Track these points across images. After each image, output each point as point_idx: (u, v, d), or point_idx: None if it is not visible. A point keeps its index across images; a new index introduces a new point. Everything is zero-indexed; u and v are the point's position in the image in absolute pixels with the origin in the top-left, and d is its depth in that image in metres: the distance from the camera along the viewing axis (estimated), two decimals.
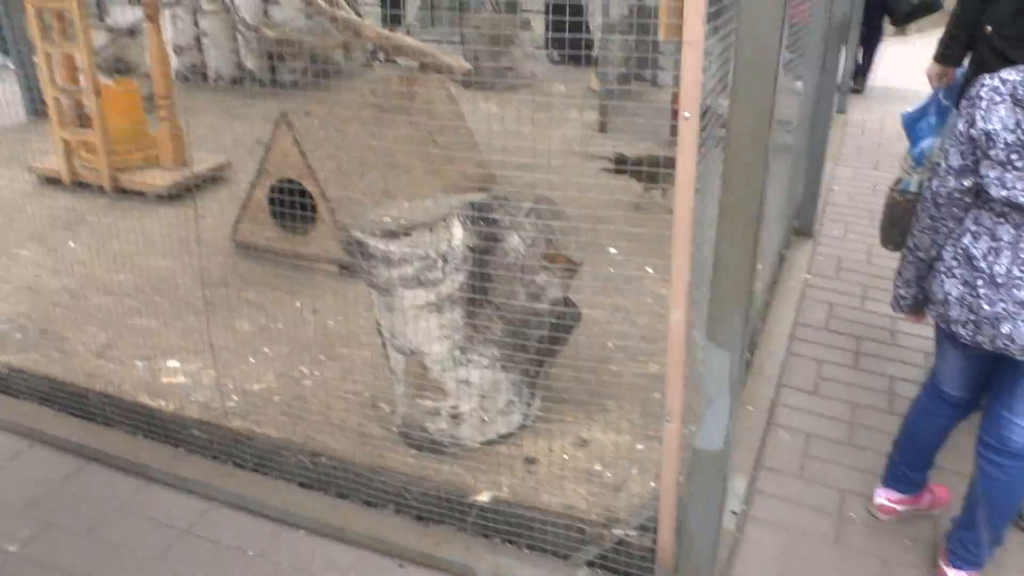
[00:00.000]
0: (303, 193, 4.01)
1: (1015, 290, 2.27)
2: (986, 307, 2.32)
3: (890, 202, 3.61)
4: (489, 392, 2.86)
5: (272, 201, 4.09)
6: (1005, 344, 2.33)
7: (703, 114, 2.08)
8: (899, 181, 3.64)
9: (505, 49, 7.28)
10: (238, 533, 2.77)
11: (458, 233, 2.66)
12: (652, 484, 2.79)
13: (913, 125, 3.60)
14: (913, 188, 3.58)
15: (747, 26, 1.84)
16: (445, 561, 2.65)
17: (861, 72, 9.21)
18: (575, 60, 8.52)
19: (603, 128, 6.66)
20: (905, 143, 3.74)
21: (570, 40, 7.53)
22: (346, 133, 4.20)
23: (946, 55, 3.48)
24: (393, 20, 8.24)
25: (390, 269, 2.61)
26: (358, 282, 4.08)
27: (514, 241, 2.74)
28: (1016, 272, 2.28)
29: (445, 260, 2.64)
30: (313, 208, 4.05)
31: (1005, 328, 2.30)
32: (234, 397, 3.15)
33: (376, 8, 9.03)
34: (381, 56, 8.16)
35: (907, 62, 11.98)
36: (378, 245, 2.58)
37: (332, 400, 3.15)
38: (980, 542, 2.66)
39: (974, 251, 2.35)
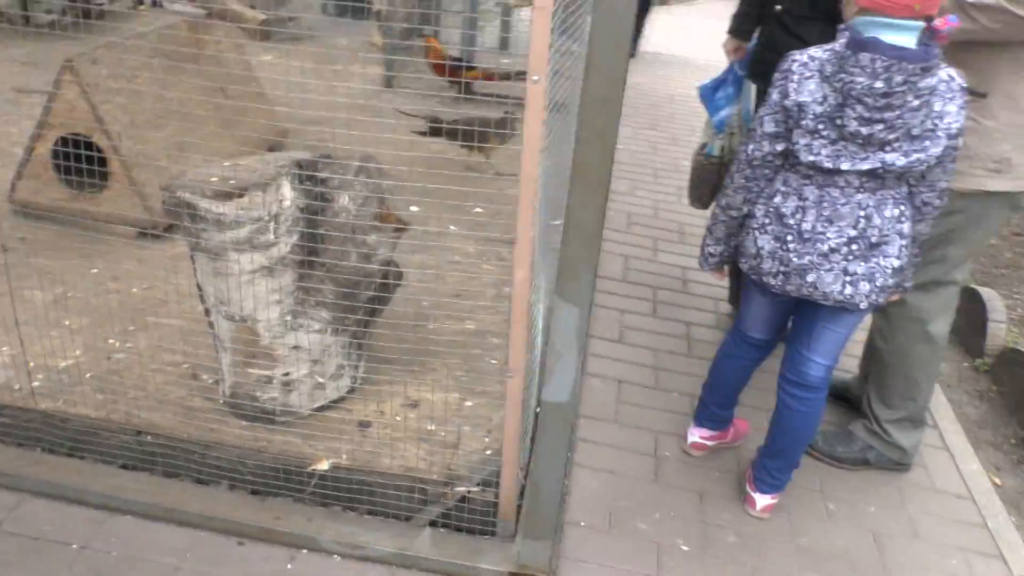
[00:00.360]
0: (92, 148, 3.69)
1: (819, 244, 2.51)
2: (795, 259, 2.55)
3: (696, 165, 3.85)
4: (321, 357, 2.79)
5: (57, 156, 3.74)
6: (810, 291, 2.57)
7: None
8: (704, 146, 3.88)
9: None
10: (58, 525, 2.56)
11: (288, 193, 2.57)
12: (486, 439, 2.85)
13: (711, 96, 3.83)
14: (716, 153, 3.83)
15: None
16: (286, 535, 2.59)
17: (632, 39, 9.63)
18: (355, 12, 8.30)
19: (388, 83, 6.58)
20: (700, 109, 3.97)
21: None
22: (135, 83, 3.90)
23: (739, 30, 3.70)
24: None
25: (222, 232, 2.47)
26: (159, 245, 3.85)
27: (344, 200, 2.68)
28: (819, 228, 2.51)
29: (277, 222, 2.53)
30: (104, 165, 3.75)
31: (810, 277, 2.54)
32: (39, 376, 2.89)
33: None
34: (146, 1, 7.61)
35: (672, 30, 12.65)
36: (209, 207, 2.44)
37: (149, 374, 2.96)
38: (782, 468, 2.94)
39: (784, 209, 2.56)
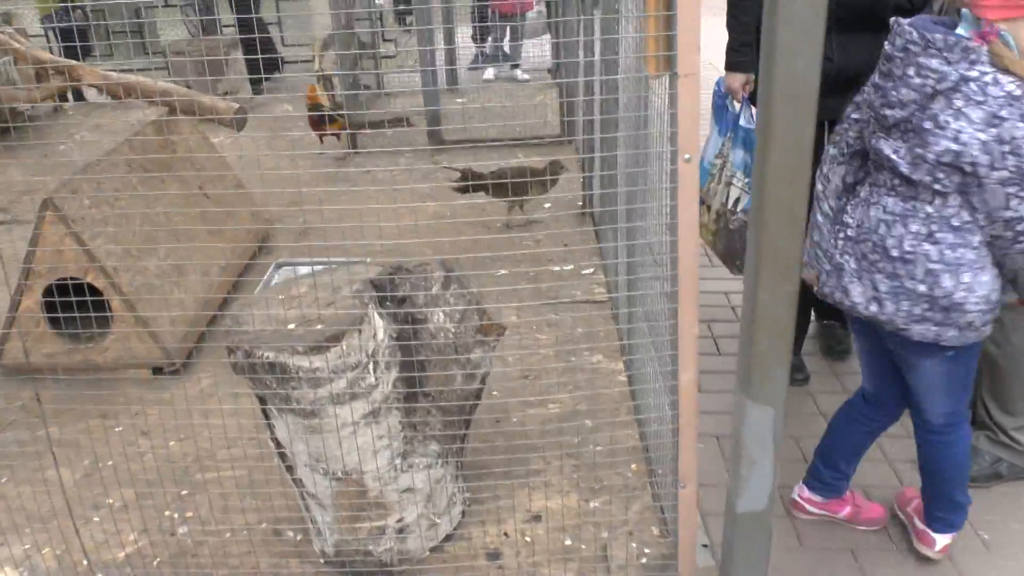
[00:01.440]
0: (86, 290, 3.23)
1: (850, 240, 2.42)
2: (836, 256, 2.45)
3: (735, 227, 3.46)
4: (433, 492, 2.42)
5: (49, 307, 3.27)
6: (841, 299, 2.45)
7: None
8: (736, 201, 3.47)
9: (220, 75, 6.52)
10: None
11: (380, 324, 2.19)
12: (633, 545, 2.51)
13: (723, 104, 3.52)
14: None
15: (784, 54, 1.57)
16: None
17: None
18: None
19: (354, 144, 6.12)
20: None
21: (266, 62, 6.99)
22: (120, 207, 3.45)
23: (742, 63, 3.41)
24: (84, 53, 7.08)
25: (317, 389, 2.09)
26: (179, 381, 3.41)
27: (440, 319, 2.31)
28: (847, 219, 2.43)
29: (376, 360, 2.16)
30: (103, 306, 3.30)
31: (845, 280, 2.42)
32: None
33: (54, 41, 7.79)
34: (71, 98, 7.04)
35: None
36: (301, 364, 2.05)
37: (228, 545, 2.54)
38: (946, 508, 2.68)
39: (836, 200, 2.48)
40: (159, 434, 3.06)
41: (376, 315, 2.18)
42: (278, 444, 2.38)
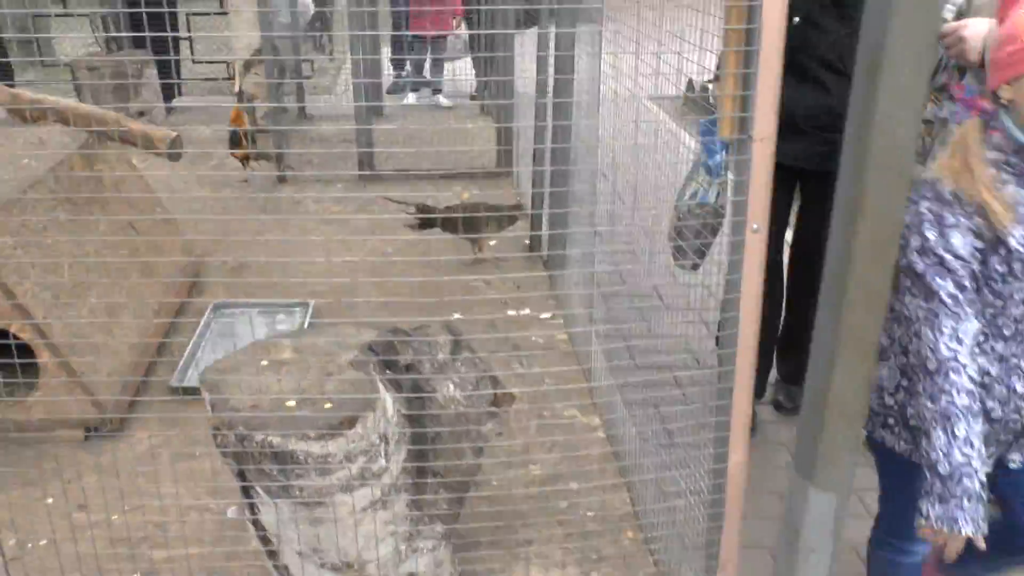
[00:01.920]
0: (6, 340, 2.87)
1: None
2: None
3: (681, 216, 3.34)
4: (436, 575, 2.20)
5: None
6: None
7: None
8: (693, 194, 3.39)
9: (135, 93, 6.07)
10: None
11: (389, 400, 1.97)
12: None
13: (711, 132, 3.42)
14: (711, 200, 3.41)
15: (884, 123, 1.44)
16: None
17: None
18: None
19: (282, 179, 5.71)
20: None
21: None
22: (49, 247, 3.09)
23: None
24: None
25: (325, 476, 1.84)
26: (116, 443, 3.07)
27: (449, 389, 2.10)
28: None
29: (387, 441, 1.93)
30: (27, 357, 2.93)
31: None
32: None
33: None
34: None
35: None
36: (310, 450, 1.80)
37: None
38: None
39: None
40: (99, 506, 2.71)
41: (384, 390, 1.95)
42: (259, 526, 2.12)
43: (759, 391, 3.65)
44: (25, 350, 2.93)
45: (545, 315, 3.91)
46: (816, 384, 1.69)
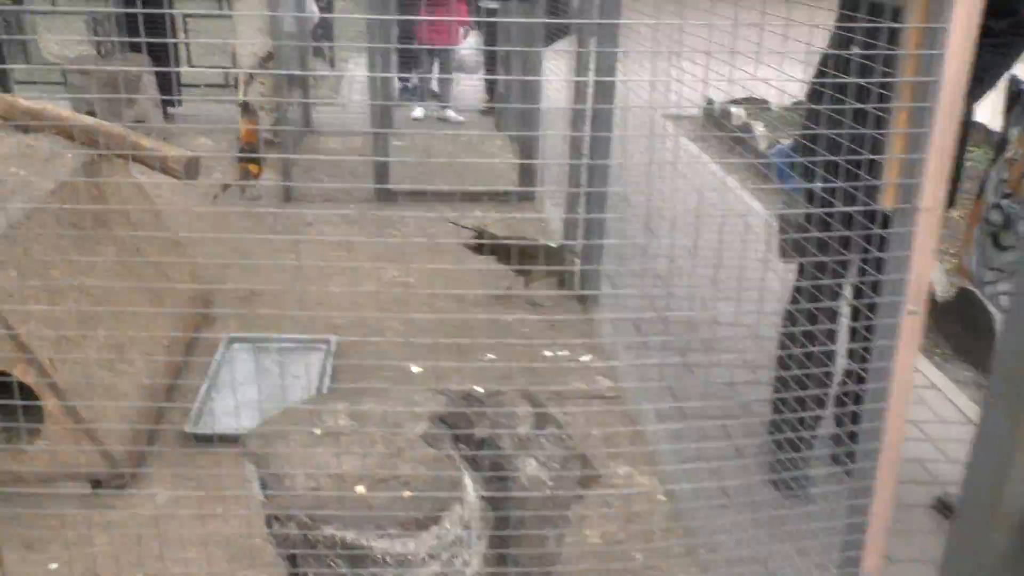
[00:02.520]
0: (8, 385, 2.63)
1: None
2: None
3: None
4: None
5: None
6: None
7: None
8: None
9: (132, 98, 5.81)
10: None
11: (469, 484, 1.76)
12: None
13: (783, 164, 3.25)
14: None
15: None
16: None
17: None
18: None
19: (288, 197, 5.44)
20: None
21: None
22: (54, 279, 2.85)
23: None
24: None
25: (407, 573, 1.63)
26: (126, 498, 2.83)
27: (531, 468, 1.89)
28: None
29: (469, 531, 1.72)
30: (29, 402, 2.69)
31: None
32: None
33: None
34: None
35: None
36: (392, 548, 1.59)
37: None
38: None
39: None
40: (110, 571, 2.48)
41: (465, 474, 1.75)
42: None
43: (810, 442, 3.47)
44: (26, 391, 2.69)
45: (585, 357, 3.71)
46: (981, 493, 1.50)
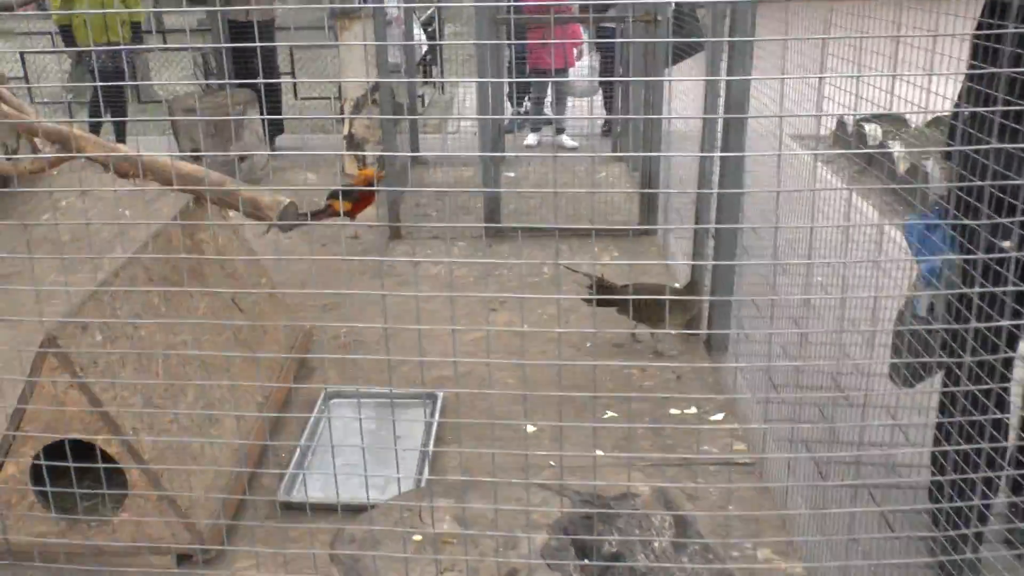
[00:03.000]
0: (92, 452, 2.49)
1: None
2: None
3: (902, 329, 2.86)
4: None
5: (39, 474, 2.50)
6: None
7: None
8: (908, 303, 2.91)
9: (236, 136, 5.78)
10: None
11: None
12: None
13: (921, 235, 2.88)
14: (922, 311, 2.87)
15: None
16: None
17: None
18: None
19: (397, 235, 5.23)
20: None
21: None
22: (141, 339, 2.71)
23: None
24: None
25: None
26: (213, 572, 2.65)
27: None
28: None
29: None
30: (112, 472, 2.55)
31: None
32: None
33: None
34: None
35: None
36: None
37: None
38: None
39: None
40: None
41: None
42: None
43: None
44: (110, 457, 2.55)
45: (716, 416, 3.37)
46: None
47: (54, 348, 2.40)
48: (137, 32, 6.79)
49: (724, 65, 3.68)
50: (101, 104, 6.38)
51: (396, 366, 3.68)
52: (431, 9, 7.77)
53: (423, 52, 7.26)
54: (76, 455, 2.33)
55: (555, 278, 4.40)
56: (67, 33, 6.60)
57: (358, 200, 4.53)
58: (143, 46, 7.18)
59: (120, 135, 6.65)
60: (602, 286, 3.76)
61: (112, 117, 6.64)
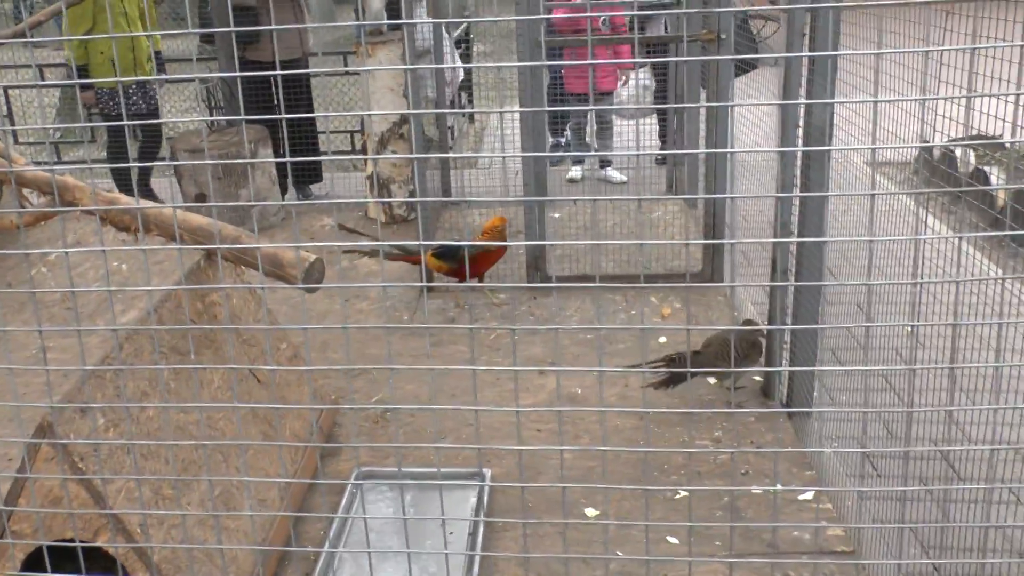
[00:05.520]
0: (93, 554, 2.40)
1: None
2: None
3: None
4: None
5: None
6: None
7: None
8: None
9: (244, 178, 5.73)
10: None
11: None
12: None
13: None
14: None
15: None
16: None
17: None
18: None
19: (430, 287, 5.15)
20: None
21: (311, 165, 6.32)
22: (148, 421, 2.63)
23: None
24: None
25: None
26: None
27: None
28: None
29: None
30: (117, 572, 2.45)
31: None
32: None
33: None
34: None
35: None
36: None
37: None
38: None
39: None
40: None
41: None
42: None
43: None
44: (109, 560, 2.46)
45: (805, 495, 3.22)
46: None
47: (50, 439, 2.31)
48: (160, 63, 6.65)
49: (802, 87, 3.59)
50: (129, 151, 6.17)
51: (436, 440, 3.57)
52: (463, 26, 7.70)
53: (459, 79, 7.17)
54: (69, 556, 2.24)
55: (608, 335, 4.28)
56: (84, 75, 6.02)
57: (475, 259, 4.48)
58: (164, 76, 7.03)
59: (145, 181, 6.58)
60: (675, 363, 3.66)
61: (141, 161, 6.42)
